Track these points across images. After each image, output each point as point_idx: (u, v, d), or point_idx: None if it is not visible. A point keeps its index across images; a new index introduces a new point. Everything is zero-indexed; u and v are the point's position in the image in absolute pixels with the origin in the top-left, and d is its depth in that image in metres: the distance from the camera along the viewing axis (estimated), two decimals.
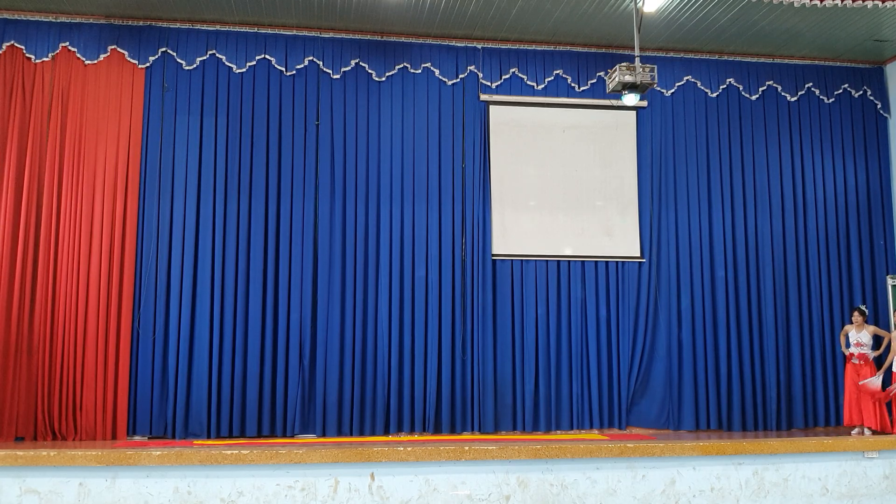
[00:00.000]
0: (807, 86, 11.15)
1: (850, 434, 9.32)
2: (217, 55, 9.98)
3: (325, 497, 4.63)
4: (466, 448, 4.67)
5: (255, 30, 10.09)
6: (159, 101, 9.81)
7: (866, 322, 9.63)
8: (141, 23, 9.88)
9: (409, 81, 10.37)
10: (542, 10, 9.70)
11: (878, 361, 9.59)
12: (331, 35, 10.25)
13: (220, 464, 4.64)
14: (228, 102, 9.94)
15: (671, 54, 10.90)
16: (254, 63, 10.04)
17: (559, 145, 10.59)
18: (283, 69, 10.10)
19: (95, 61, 9.74)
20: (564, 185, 10.52)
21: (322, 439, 9.36)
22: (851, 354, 9.48)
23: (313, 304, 9.76)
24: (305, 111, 10.12)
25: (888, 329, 10.02)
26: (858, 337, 9.49)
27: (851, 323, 9.68)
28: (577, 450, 4.87)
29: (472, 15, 9.83)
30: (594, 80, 10.68)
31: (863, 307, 9.86)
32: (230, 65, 9.99)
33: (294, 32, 10.16)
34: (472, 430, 9.81)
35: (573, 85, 10.69)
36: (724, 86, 10.98)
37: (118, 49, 9.79)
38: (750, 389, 10.39)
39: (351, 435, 9.58)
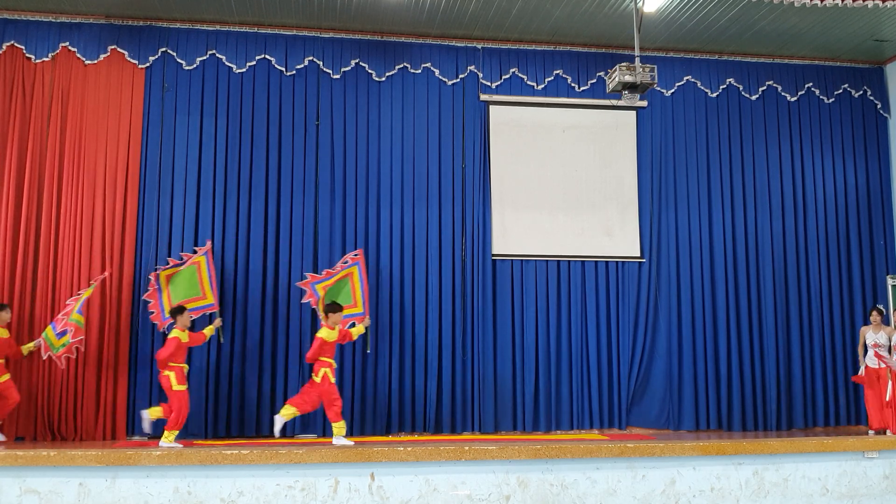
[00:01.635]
0: (807, 86, 11.15)
1: (850, 435, 9.31)
2: (217, 55, 9.98)
3: (325, 497, 4.63)
4: (466, 448, 4.67)
5: (255, 30, 10.09)
6: (159, 101, 9.81)
7: (884, 322, 9.59)
8: (141, 23, 9.88)
9: (409, 81, 10.37)
10: (542, 10, 9.70)
11: None
12: (331, 35, 10.25)
13: (220, 464, 4.63)
14: (228, 102, 9.94)
15: (671, 54, 10.90)
16: (254, 63, 10.04)
17: (559, 145, 10.59)
18: (283, 69, 10.10)
19: (95, 61, 9.74)
20: (564, 185, 10.52)
21: (322, 439, 9.36)
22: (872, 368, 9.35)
23: None
24: (305, 111, 10.12)
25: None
26: (876, 338, 9.41)
27: (869, 323, 9.61)
28: (577, 450, 4.87)
29: (472, 15, 9.83)
30: (594, 80, 10.68)
31: (881, 307, 9.83)
32: (230, 65, 9.99)
33: (294, 32, 10.16)
34: (472, 430, 9.80)
35: (573, 85, 10.69)
36: (724, 86, 10.98)
37: (118, 49, 9.79)
38: (750, 389, 10.39)
39: (351, 435, 9.56)
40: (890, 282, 10.89)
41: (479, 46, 10.56)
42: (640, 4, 9.00)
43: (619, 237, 10.53)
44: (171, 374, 8.23)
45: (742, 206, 10.78)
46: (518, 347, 10.11)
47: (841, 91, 11.23)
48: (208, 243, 9.33)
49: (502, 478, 4.74)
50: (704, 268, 10.57)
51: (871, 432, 9.33)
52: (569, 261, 10.37)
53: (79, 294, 8.89)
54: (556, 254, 10.35)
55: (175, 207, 9.64)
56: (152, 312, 9.02)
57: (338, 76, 10.20)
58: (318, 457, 4.66)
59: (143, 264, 9.48)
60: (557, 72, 10.66)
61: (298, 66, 10.13)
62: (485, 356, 9.97)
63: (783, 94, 11.10)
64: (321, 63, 10.18)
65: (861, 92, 11.27)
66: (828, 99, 11.20)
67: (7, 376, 8.36)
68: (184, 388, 8.29)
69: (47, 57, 9.64)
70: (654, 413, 10.25)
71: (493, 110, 10.51)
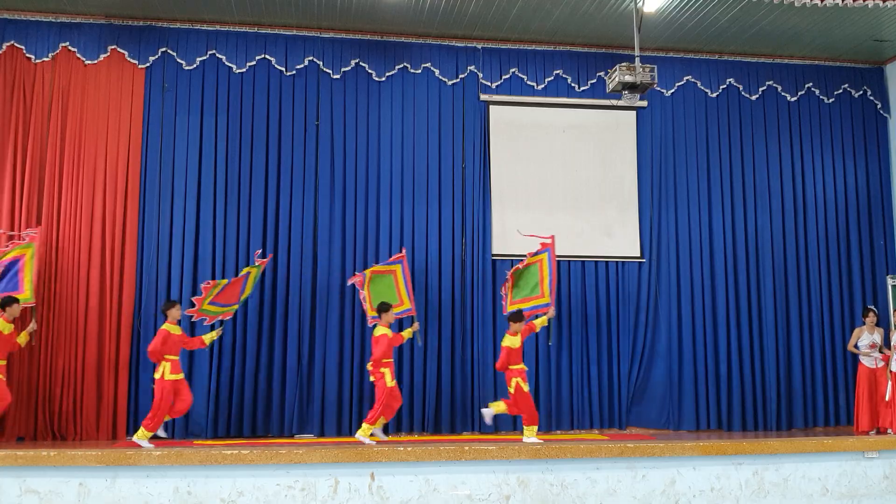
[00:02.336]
0: (807, 86, 11.15)
1: (850, 435, 9.31)
2: (217, 55, 9.98)
3: (325, 497, 4.63)
4: (466, 448, 4.67)
5: (255, 30, 10.09)
6: (159, 101, 9.81)
7: (878, 324, 9.63)
8: (141, 23, 9.88)
9: (409, 81, 10.36)
10: (542, 10, 9.70)
11: None
12: (331, 35, 10.25)
13: (220, 464, 4.63)
14: (228, 102, 9.94)
15: (671, 54, 10.90)
16: (254, 63, 10.04)
17: (559, 145, 10.59)
18: (283, 69, 10.10)
19: (95, 61, 9.74)
20: (564, 185, 10.52)
21: (322, 439, 9.36)
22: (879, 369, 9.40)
23: (313, 303, 9.75)
24: (305, 111, 10.12)
25: (888, 329, 10.01)
26: (873, 338, 9.46)
27: (863, 324, 9.63)
28: (577, 450, 4.87)
29: (472, 15, 9.83)
30: (594, 80, 10.68)
31: (872, 307, 9.88)
32: (230, 65, 9.99)
33: (294, 32, 10.16)
34: (472, 430, 9.80)
35: (573, 85, 10.69)
36: (724, 86, 10.98)
37: (118, 49, 9.79)
38: (750, 389, 10.39)
39: (351, 435, 9.57)
40: (890, 282, 10.89)
41: (479, 46, 10.55)
42: (640, 4, 8.99)
43: (619, 237, 10.53)
44: (387, 371, 8.45)
45: (742, 206, 10.78)
46: None
47: (841, 91, 11.23)
48: (403, 251, 9.52)
49: (502, 478, 4.74)
50: (704, 268, 10.56)
51: (871, 433, 9.33)
52: (569, 261, 10.37)
53: (245, 275, 8.94)
54: (557, 254, 10.32)
55: (175, 207, 9.64)
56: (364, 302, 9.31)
57: (338, 76, 10.20)
58: (318, 457, 4.67)
59: (144, 264, 9.48)
60: (557, 72, 10.66)
61: (298, 66, 10.12)
62: (485, 356, 9.97)
63: (783, 94, 11.10)
64: (321, 63, 10.18)
65: (861, 92, 11.27)
66: (828, 99, 11.20)
67: (180, 376, 8.34)
68: (394, 383, 8.54)
69: (47, 57, 9.64)
70: (654, 413, 10.25)
71: (493, 110, 10.51)
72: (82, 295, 9.24)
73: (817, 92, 11.18)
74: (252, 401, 9.47)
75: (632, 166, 10.67)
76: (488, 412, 8.80)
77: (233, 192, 9.79)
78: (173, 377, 8.14)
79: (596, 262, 10.43)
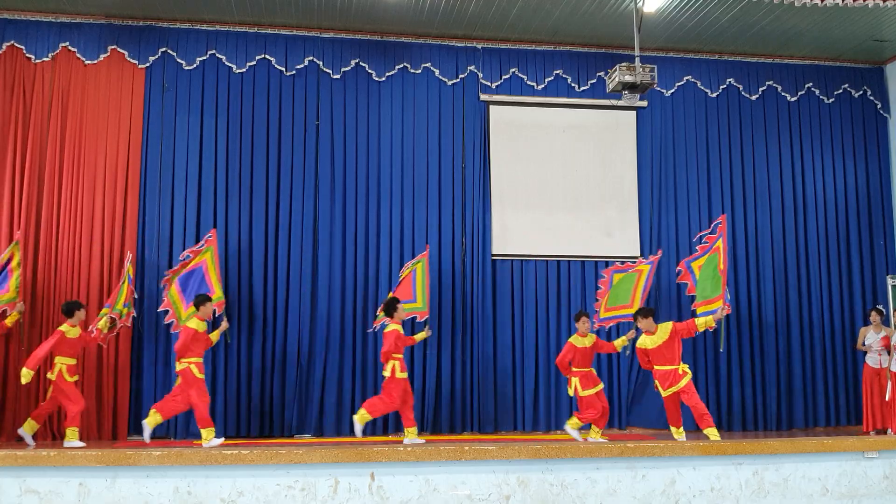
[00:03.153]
0: (807, 86, 11.15)
1: (850, 435, 9.30)
2: (217, 55, 9.98)
3: (325, 497, 4.62)
4: (466, 448, 4.66)
5: (255, 30, 10.09)
6: (159, 101, 9.81)
7: (883, 323, 9.63)
8: (141, 23, 9.88)
9: (409, 81, 10.37)
10: (542, 10, 9.70)
11: None
12: (331, 35, 10.25)
13: (220, 464, 4.62)
14: (228, 102, 9.94)
15: (671, 54, 10.90)
16: (254, 63, 10.04)
17: (559, 145, 10.59)
18: (283, 69, 10.10)
19: (95, 61, 9.74)
20: (564, 185, 10.52)
21: (322, 439, 9.35)
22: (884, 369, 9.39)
23: (313, 303, 9.76)
24: (305, 111, 10.12)
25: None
26: (878, 338, 9.46)
27: (869, 324, 9.64)
28: (577, 450, 4.86)
29: (472, 15, 9.83)
30: (594, 80, 10.68)
31: (881, 307, 9.88)
32: (230, 65, 9.99)
33: (294, 32, 10.16)
34: (472, 430, 9.80)
35: (573, 85, 10.69)
36: (724, 86, 10.98)
37: (118, 49, 9.79)
38: (750, 389, 10.39)
39: (351, 435, 9.57)
40: (890, 282, 10.89)
41: (479, 46, 10.55)
42: (640, 4, 9.00)
43: (619, 237, 10.52)
44: (575, 380, 8.66)
45: (742, 206, 10.78)
46: (518, 347, 10.11)
47: (841, 91, 11.24)
48: (659, 252, 9.65)
49: (502, 478, 4.73)
50: None
51: (872, 432, 9.34)
52: (569, 261, 10.37)
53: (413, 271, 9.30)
54: (556, 254, 10.35)
55: (175, 207, 9.64)
56: (597, 313, 9.39)
57: (338, 76, 10.20)
58: (318, 457, 4.66)
59: (144, 264, 9.48)
60: (557, 72, 10.66)
61: (298, 66, 10.13)
62: (485, 356, 9.97)
63: (783, 94, 11.10)
64: (321, 63, 10.17)
65: (861, 92, 11.27)
66: (828, 99, 11.20)
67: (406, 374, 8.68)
68: (592, 391, 8.67)
69: (47, 57, 9.64)
70: (654, 413, 10.22)
71: (493, 110, 10.51)
72: (83, 295, 9.23)
73: (817, 92, 11.18)
74: (255, 401, 9.46)
75: (632, 166, 10.67)
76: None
77: (233, 191, 9.79)
78: (403, 375, 8.51)
79: (596, 261, 10.42)
